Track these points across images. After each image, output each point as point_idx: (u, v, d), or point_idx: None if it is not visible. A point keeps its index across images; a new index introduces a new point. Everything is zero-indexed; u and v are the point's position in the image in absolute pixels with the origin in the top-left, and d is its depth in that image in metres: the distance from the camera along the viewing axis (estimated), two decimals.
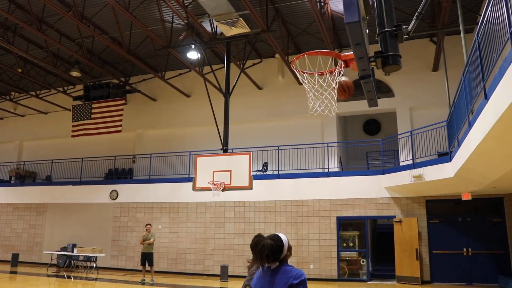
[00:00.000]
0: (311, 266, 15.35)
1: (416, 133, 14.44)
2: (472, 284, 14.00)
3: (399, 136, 16.01)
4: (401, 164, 15.19)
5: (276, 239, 3.18)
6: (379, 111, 18.44)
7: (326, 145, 17.01)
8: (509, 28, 4.90)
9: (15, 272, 17.18)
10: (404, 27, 3.92)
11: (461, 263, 14.39)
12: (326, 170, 16.54)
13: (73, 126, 20.87)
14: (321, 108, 4.16)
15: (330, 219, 15.64)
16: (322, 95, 4.09)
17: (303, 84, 4.17)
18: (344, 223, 15.95)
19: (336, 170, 17.02)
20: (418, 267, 14.15)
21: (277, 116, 19.24)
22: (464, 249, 14.42)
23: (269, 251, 3.11)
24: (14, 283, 14.25)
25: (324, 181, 16.00)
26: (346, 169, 18.03)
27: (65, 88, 21.71)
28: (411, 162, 14.02)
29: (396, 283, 14.45)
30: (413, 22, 4.14)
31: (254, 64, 19.23)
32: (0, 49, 18.73)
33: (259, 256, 3.15)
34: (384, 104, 17.28)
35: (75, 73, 19.55)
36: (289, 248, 3.26)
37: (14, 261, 19.28)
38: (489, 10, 6.06)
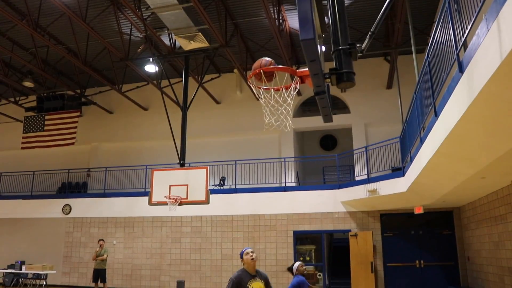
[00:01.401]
0: None
1: (370, 149, 14.80)
2: None
3: (354, 152, 16.35)
4: (356, 179, 15.50)
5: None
6: (335, 127, 18.81)
7: (283, 160, 17.15)
8: (456, 50, 5.15)
9: None
10: (358, 45, 4.05)
11: (414, 275, 14.75)
12: (283, 185, 16.66)
13: (23, 137, 20.14)
14: (277, 122, 4.22)
15: (287, 233, 15.71)
16: (278, 111, 4.15)
17: (259, 99, 4.21)
18: (301, 237, 16.06)
19: (293, 185, 17.16)
20: (373, 280, 14.40)
21: (234, 131, 19.28)
22: (417, 261, 14.80)
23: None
24: None
25: (281, 195, 16.10)
26: (303, 184, 18.21)
27: (17, 98, 20.98)
28: (366, 177, 14.32)
29: None
30: (366, 40, 4.27)
31: (212, 79, 19.25)
32: None
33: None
34: (340, 120, 17.67)
35: (28, 84, 18.97)
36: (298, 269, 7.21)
37: None
38: (438, 33, 6.35)
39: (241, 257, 5.00)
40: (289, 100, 3.96)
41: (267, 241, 15.74)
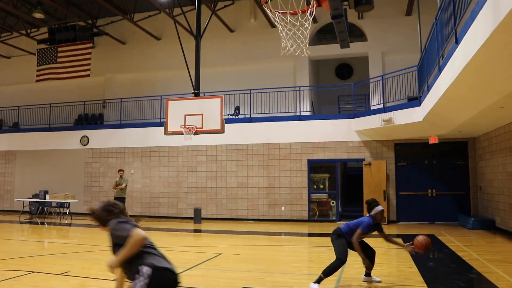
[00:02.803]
0: (282, 208, 15.76)
1: (387, 78, 14.57)
2: (434, 223, 14.69)
3: (370, 80, 16.13)
4: (371, 108, 15.40)
5: None
6: (351, 55, 18.43)
7: (298, 89, 17.02)
8: None
9: None
10: None
11: (425, 203, 15.02)
12: (298, 114, 16.65)
13: (37, 70, 20.15)
14: (293, 47, 4.13)
15: (301, 162, 15.92)
16: (295, 35, 4.05)
17: (276, 23, 4.11)
18: (315, 166, 16.28)
19: (308, 114, 17.14)
20: (385, 208, 14.69)
21: (249, 60, 19.01)
22: (429, 190, 15.01)
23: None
24: None
25: (295, 124, 16.14)
26: (317, 113, 18.18)
27: (28, 31, 20.74)
28: (381, 106, 14.22)
29: None
30: None
31: (225, 6, 18.73)
32: None
33: None
34: (356, 48, 17.23)
35: (38, 15, 18.67)
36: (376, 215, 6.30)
37: None
38: None
39: None
40: (306, 24, 3.86)
41: (282, 169, 16.00)
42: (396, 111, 13.29)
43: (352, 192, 17.03)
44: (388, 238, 6.32)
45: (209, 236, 13.01)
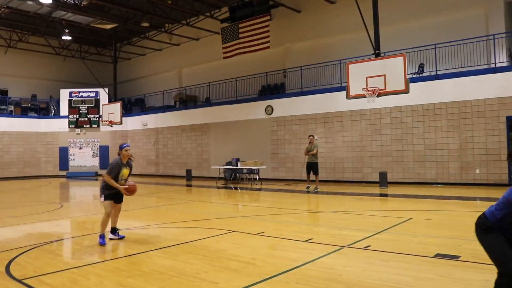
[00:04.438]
0: (477, 171, 14.45)
1: None
2: None
3: None
4: None
5: None
6: None
7: (492, 37, 15.14)
8: None
9: (190, 185, 19.35)
10: None
11: None
12: (492, 66, 14.86)
13: (223, 48, 21.75)
14: None
15: (498, 119, 14.27)
16: None
17: None
18: None
19: (505, 64, 15.16)
20: None
21: (431, 12, 17.48)
22: None
23: None
24: (191, 194, 16.12)
25: (490, 78, 14.46)
26: None
27: (212, 12, 22.40)
28: None
29: None
30: None
31: None
32: None
33: None
34: None
35: None
36: None
37: (188, 176, 21.94)
38: None
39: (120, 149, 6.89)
40: None
41: (475, 128, 14.59)
42: None
43: None
44: None
45: (396, 200, 12.60)
